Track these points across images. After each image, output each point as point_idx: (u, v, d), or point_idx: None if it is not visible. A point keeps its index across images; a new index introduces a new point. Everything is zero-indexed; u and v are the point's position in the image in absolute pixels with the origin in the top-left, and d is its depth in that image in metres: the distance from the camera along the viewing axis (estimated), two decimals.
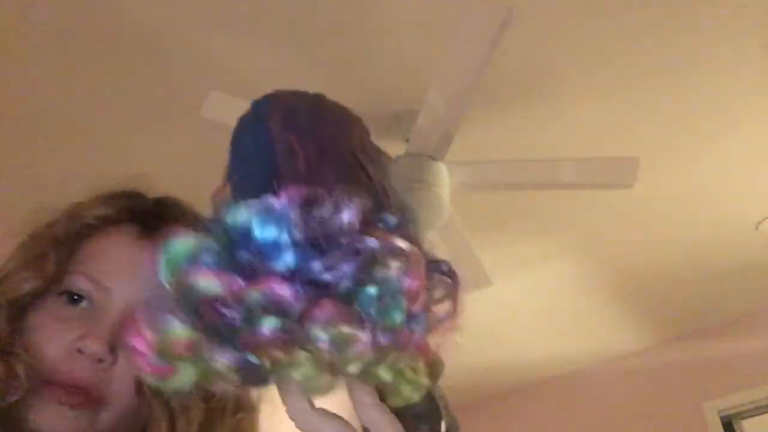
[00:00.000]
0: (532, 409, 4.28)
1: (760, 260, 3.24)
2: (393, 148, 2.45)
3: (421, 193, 2.14)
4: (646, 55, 2.21)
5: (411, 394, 0.47)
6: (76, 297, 0.63)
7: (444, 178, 2.20)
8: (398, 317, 0.42)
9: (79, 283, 0.64)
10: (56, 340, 0.60)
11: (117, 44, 2.12)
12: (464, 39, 1.82)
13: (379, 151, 0.58)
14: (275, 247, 0.41)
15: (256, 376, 0.43)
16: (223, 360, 0.41)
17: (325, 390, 0.44)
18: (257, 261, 0.41)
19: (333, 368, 0.42)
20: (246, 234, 0.42)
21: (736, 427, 3.65)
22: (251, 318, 0.41)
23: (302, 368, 0.42)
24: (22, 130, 2.43)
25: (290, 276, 0.41)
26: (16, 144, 2.48)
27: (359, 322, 0.41)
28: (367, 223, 0.44)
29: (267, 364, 0.41)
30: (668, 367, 3.87)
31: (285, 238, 0.41)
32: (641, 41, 2.16)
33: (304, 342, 0.41)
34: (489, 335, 3.79)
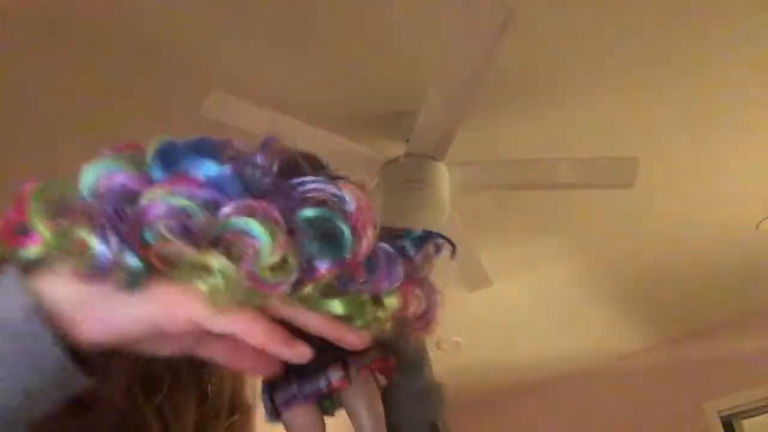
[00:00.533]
0: (532, 409, 4.28)
1: (760, 260, 3.24)
2: (393, 148, 2.45)
3: (421, 193, 2.14)
4: (647, 56, 2.22)
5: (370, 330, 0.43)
6: None
7: (444, 178, 2.20)
8: (344, 244, 0.39)
9: None
10: None
11: (117, 44, 2.12)
12: (464, 39, 1.82)
13: None
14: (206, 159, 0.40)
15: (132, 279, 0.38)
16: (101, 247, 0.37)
17: (229, 303, 0.38)
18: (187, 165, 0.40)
19: (253, 280, 0.37)
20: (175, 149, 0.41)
21: (736, 427, 3.65)
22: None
23: (211, 277, 0.37)
24: (20, 130, 2.43)
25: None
26: (15, 144, 2.48)
27: (293, 238, 0.38)
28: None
29: (159, 264, 0.37)
30: (668, 367, 3.87)
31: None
32: (641, 41, 2.16)
33: (217, 239, 0.37)
34: (489, 335, 3.79)
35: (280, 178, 0.40)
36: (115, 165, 0.40)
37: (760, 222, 3.00)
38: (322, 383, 0.45)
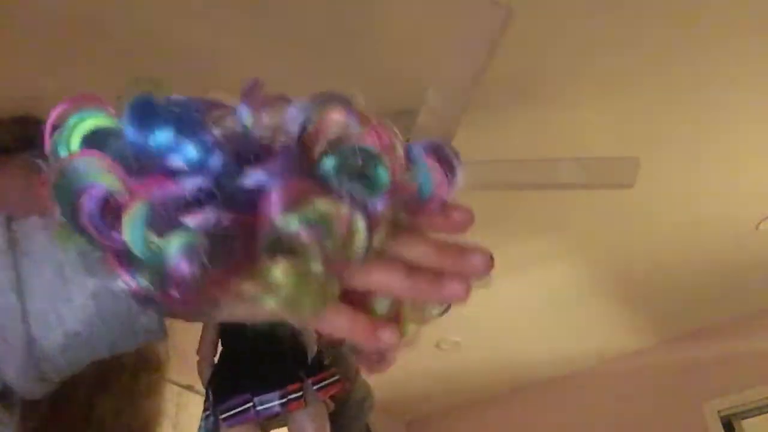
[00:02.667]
0: (532, 409, 4.28)
1: (760, 260, 3.24)
2: None
3: None
4: (646, 56, 2.22)
5: None
6: None
7: None
8: (382, 175, 0.34)
9: None
10: None
11: (116, 44, 2.12)
12: (464, 39, 1.82)
13: None
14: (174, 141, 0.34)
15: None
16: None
17: (321, 306, 0.33)
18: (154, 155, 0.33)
19: (331, 265, 0.32)
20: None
21: (736, 427, 3.65)
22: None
23: (282, 289, 0.32)
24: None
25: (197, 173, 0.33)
26: None
27: (334, 193, 0.33)
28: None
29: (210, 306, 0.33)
30: (668, 367, 3.87)
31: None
32: (641, 41, 2.16)
33: (268, 249, 0.31)
34: (489, 335, 3.79)
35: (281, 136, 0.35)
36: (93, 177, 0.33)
37: (760, 222, 3.00)
38: (277, 404, 0.43)
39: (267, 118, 0.36)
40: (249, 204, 0.32)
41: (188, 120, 0.36)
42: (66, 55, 2.15)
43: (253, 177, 0.32)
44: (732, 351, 3.67)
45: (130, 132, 0.34)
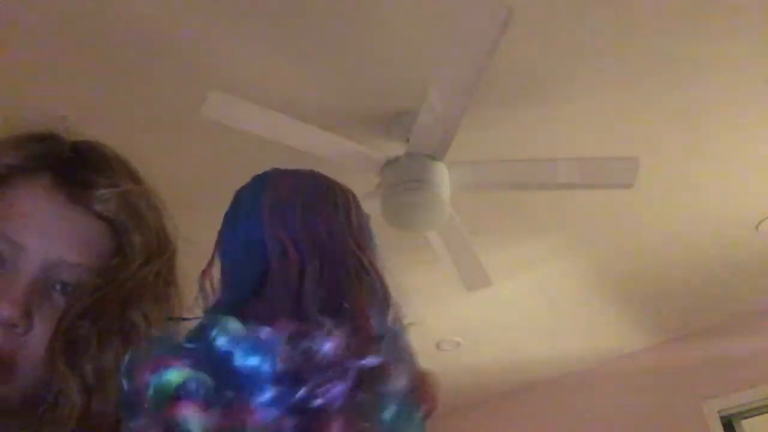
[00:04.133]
0: (532, 409, 4.28)
1: (760, 260, 3.24)
2: (393, 148, 2.45)
3: (421, 193, 2.14)
4: (646, 55, 2.22)
5: None
6: None
7: (444, 178, 2.20)
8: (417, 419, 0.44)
9: None
10: None
11: (116, 44, 2.12)
12: (464, 39, 1.82)
13: (369, 226, 0.58)
14: (258, 378, 0.42)
15: None
16: None
17: None
18: (241, 392, 0.42)
19: None
20: (231, 363, 0.42)
21: (736, 427, 3.65)
22: None
23: None
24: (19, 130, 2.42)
25: (276, 405, 0.41)
26: None
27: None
28: (362, 340, 0.46)
29: None
30: (668, 367, 3.87)
31: (267, 369, 0.42)
32: (641, 41, 2.16)
33: None
34: (489, 335, 3.79)
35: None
36: None
37: (760, 222, 3.00)
38: None
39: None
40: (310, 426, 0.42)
41: (263, 355, 0.44)
42: (57, 56, 2.15)
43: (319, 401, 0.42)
44: (732, 351, 3.67)
45: (215, 373, 0.42)
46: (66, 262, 0.57)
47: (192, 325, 0.49)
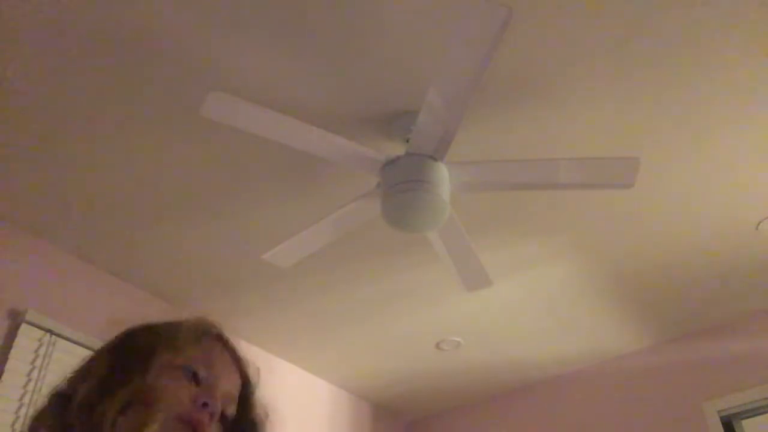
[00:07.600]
0: (532, 409, 4.28)
1: (760, 260, 3.24)
2: (393, 148, 2.46)
3: (421, 193, 2.14)
4: (646, 55, 2.22)
5: None
6: (196, 375, 0.88)
7: (444, 178, 2.20)
8: None
9: (201, 369, 0.89)
10: (186, 396, 0.83)
11: (116, 45, 2.12)
12: (464, 39, 1.82)
13: None
14: None
15: None
16: None
17: None
18: None
19: None
20: None
21: (736, 427, 3.64)
22: None
23: None
24: (20, 130, 2.43)
25: None
26: (14, 142, 2.48)
27: None
28: None
29: None
30: (668, 367, 3.87)
31: None
32: (641, 40, 2.17)
33: None
34: (489, 335, 3.79)
35: None
36: None
37: (760, 222, 3.00)
38: None
39: None
40: None
41: None
42: (57, 56, 2.14)
43: None
44: (732, 351, 3.67)
45: None
46: (231, 393, 0.91)
47: None
